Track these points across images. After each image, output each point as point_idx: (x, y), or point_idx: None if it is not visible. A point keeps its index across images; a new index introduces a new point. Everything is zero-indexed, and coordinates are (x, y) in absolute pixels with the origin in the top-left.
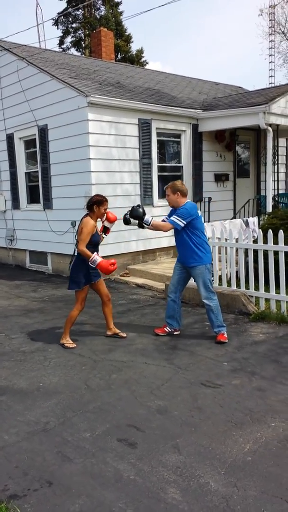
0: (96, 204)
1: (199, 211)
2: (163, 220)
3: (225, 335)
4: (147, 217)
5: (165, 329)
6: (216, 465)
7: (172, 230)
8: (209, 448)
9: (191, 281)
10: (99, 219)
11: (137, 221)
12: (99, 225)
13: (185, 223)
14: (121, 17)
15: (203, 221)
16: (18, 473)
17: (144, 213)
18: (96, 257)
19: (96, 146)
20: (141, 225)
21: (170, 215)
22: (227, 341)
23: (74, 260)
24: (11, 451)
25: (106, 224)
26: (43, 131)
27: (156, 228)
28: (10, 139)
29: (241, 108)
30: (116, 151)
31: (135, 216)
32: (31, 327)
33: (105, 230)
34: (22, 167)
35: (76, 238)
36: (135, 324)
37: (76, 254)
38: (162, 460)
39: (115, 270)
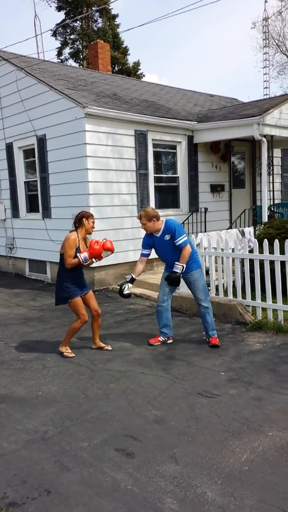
0: (84, 217)
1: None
2: (145, 254)
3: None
4: (178, 268)
5: (159, 338)
6: (213, 475)
7: (142, 250)
8: (206, 458)
9: (188, 291)
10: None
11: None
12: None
13: (186, 234)
14: (118, 29)
15: None
16: (17, 481)
17: (177, 274)
18: (81, 255)
19: (94, 156)
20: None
21: (146, 243)
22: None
23: (58, 275)
24: (10, 459)
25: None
26: (41, 141)
27: (185, 260)
28: (9, 148)
29: (235, 120)
30: (113, 162)
31: (175, 281)
32: (30, 335)
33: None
34: (21, 176)
35: (60, 252)
36: (133, 333)
37: (59, 269)
38: (159, 470)
39: (114, 279)
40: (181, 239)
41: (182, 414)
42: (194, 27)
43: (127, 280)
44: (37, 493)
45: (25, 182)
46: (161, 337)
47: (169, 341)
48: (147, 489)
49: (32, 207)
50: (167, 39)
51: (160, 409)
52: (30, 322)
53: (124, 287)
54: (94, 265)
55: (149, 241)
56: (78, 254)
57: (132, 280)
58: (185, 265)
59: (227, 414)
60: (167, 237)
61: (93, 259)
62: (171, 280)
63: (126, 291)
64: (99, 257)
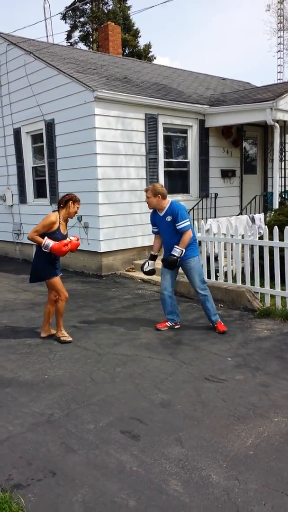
0: (71, 201)
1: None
2: (155, 232)
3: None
4: (177, 251)
5: (166, 324)
6: (218, 458)
7: (151, 228)
8: (211, 442)
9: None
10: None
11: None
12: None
13: (189, 220)
14: (128, 11)
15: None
16: (22, 463)
17: (174, 258)
18: (48, 241)
19: (103, 141)
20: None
21: (152, 220)
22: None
23: (35, 254)
24: (16, 442)
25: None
26: (50, 126)
27: (186, 244)
28: (17, 133)
29: (248, 104)
30: (123, 146)
31: (171, 263)
32: (37, 320)
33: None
34: (29, 162)
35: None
36: (140, 318)
37: (36, 248)
38: (165, 452)
39: (122, 264)
40: (184, 223)
41: (188, 398)
42: (209, 10)
43: (148, 258)
44: (42, 474)
45: (32, 167)
46: (169, 323)
47: (177, 327)
48: (152, 471)
49: (39, 193)
50: (179, 22)
51: (167, 392)
52: (36, 307)
53: (145, 264)
54: (102, 250)
55: (153, 218)
56: (46, 237)
57: (153, 257)
58: (184, 250)
59: (233, 399)
60: (169, 218)
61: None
62: (168, 263)
63: (146, 268)
64: (63, 252)
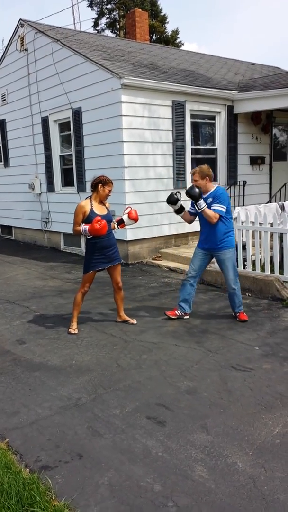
0: (101, 183)
1: None
2: (192, 212)
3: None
4: (202, 204)
5: (176, 312)
6: (244, 446)
7: (189, 207)
8: (237, 430)
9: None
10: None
11: (179, 206)
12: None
13: (226, 209)
14: None
15: None
16: (50, 446)
17: (197, 192)
18: (83, 227)
19: (129, 128)
20: (180, 211)
21: (192, 202)
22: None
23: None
24: (44, 424)
25: (125, 218)
26: (77, 114)
27: (207, 216)
28: (45, 122)
29: (278, 89)
30: (149, 134)
31: (192, 195)
32: (64, 307)
33: (120, 222)
34: (56, 150)
35: None
36: (166, 307)
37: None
38: (190, 439)
39: (148, 253)
40: (218, 206)
41: (214, 386)
42: None
43: (197, 200)
44: (69, 457)
45: (60, 156)
46: (178, 311)
47: (186, 317)
48: (177, 457)
49: (67, 181)
50: (209, 7)
51: (193, 380)
52: (64, 294)
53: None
54: (128, 238)
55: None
56: (82, 224)
57: (180, 210)
58: (206, 209)
59: (260, 388)
60: (210, 199)
61: (116, 225)
62: (189, 192)
63: (175, 195)
64: (122, 225)
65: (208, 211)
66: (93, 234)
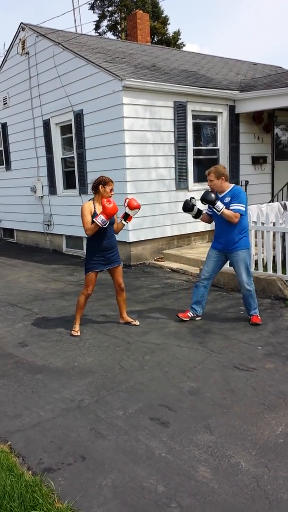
0: (101, 184)
1: None
2: (207, 212)
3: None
4: (219, 205)
5: (188, 314)
6: (247, 446)
7: (207, 209)
8: (240, 429)
9: (226, 266)
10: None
11: (196, 211)
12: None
13: (245, 208)
14: None
15: None
16: (52, 448)
17: (213, 197)
18: (98, 218)
19: (131, 130)
20: (197, 215)
21: None
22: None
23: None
24: (47, 427)
25: (127, 210)
26: (78, 116)
27: (226, 217)
28: (46, 125)
29: (280, 88)
30: (151, 135)
31: (208, 201)
32: (67, 309)
33: (126, 216)
34: (58, 153)
35: None
36: (169, 308)
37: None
38: (194, 439)
39: (151, 254)
40: (238, 205)
41: (217, 386)
42: None
43: (214, 204)
44: (72, 459)
45: (62, 158)
46: (190, 313)
47: (197, 318)
48: (181, 457)
49: (69, 184)
50: (210, 8)
51: (196, 380)
52: (67, 296)
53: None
54: (130, 240)
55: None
56: (94, 219)
57: (198, 214)
58: (224, 210)
59: (263, 387)
60: (227, 199)
61: (123, 221)
62: (205, 198)
63: (191, 202)
64: (129, 218)
65: (227, 211)
66: (111, 215)
